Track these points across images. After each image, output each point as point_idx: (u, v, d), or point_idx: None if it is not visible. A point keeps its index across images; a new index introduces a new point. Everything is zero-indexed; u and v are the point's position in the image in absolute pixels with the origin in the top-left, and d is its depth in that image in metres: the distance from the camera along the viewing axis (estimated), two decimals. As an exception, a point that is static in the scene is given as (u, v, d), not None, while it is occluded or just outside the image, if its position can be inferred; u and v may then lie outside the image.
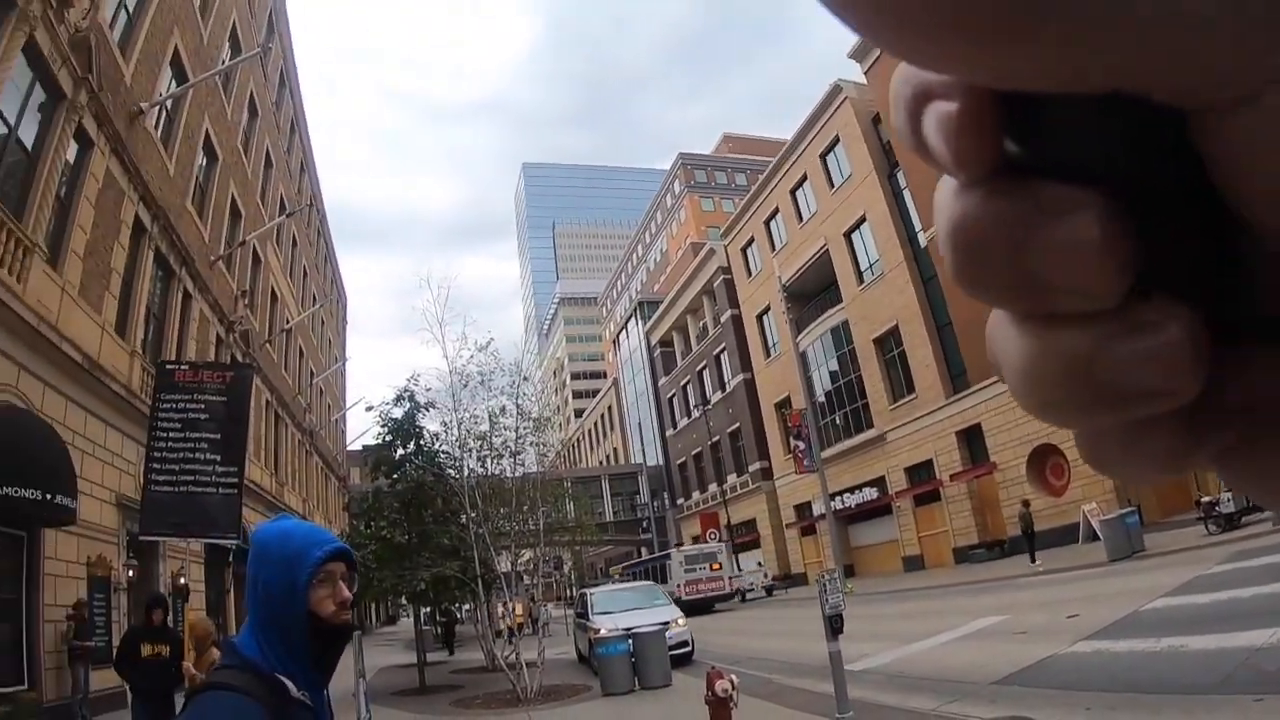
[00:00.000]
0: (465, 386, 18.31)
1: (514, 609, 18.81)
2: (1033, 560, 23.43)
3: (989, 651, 11.96)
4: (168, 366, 13.00)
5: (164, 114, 20.26)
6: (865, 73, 35.95)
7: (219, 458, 12.23)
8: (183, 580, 13.92)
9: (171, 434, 12.11)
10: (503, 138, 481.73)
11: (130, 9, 17.79)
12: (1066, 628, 12.27)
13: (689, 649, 17.33)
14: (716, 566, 36.82)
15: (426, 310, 18.32)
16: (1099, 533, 21.27)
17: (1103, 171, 0.30)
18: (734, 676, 8.67)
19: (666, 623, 16.56)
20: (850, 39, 36.67)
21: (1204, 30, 0.25)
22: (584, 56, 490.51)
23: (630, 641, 14.69)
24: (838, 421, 39.77)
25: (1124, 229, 0.29)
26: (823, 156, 39.76)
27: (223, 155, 25.30)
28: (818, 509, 36.29)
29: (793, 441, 39.88)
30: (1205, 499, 19.99)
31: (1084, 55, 0.26)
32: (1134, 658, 9.53)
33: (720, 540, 42.31)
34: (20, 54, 12.78)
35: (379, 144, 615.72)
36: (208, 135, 23.67)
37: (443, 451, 19.86)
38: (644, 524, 59.45)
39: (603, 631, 16.12)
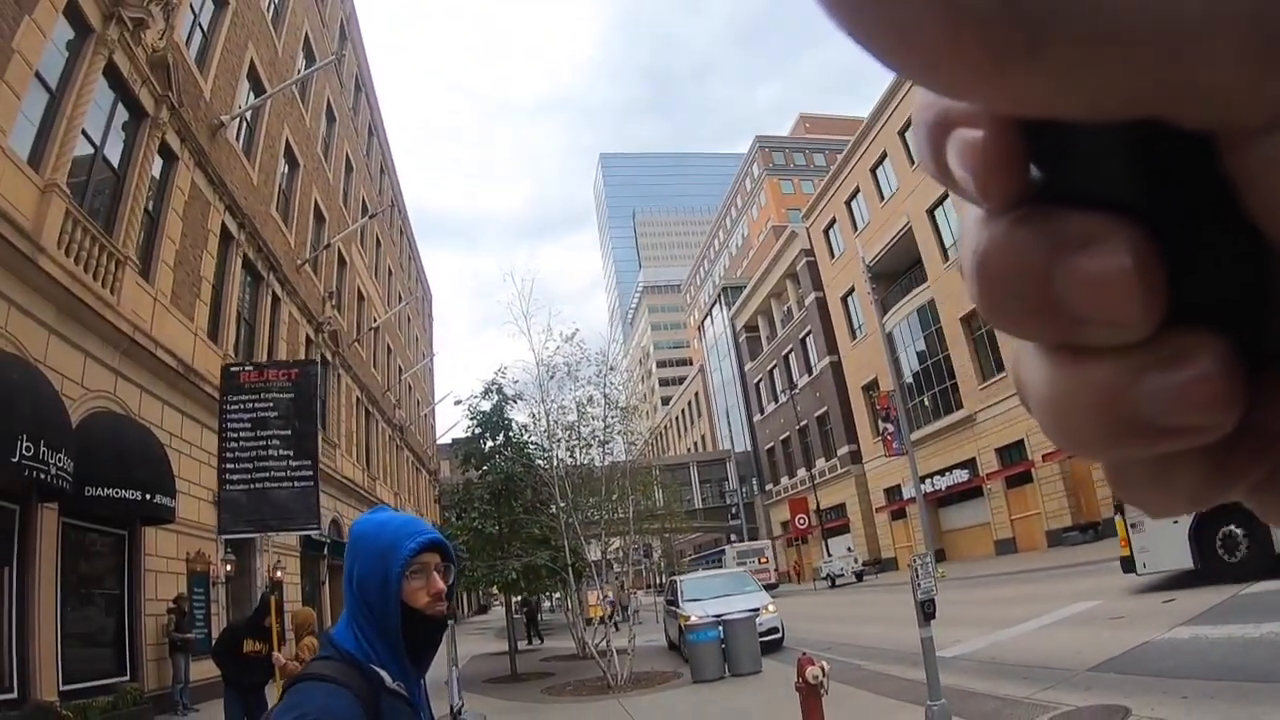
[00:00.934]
0: (552, 378, 18.42)
1: (606, 595, 18.94)
2: None
3: (1083, 637, 11.67)
4: (232, 369, 13.35)
5: (244, 125, 20.93)
6: (943, 45, 35.01)
7: (291, 453, 12.50)
8: (279, 574, 14.29)
9: (242, 434, 12.40)
10: (576, 131, 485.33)
11: (205, 27, 18.41)
12: (1162, 613, 11.91)
13: (779, 635, 17.31)
14: (764, 560, 44.05)
15: (511, 304, 18.49)
16: (1197, 513, 20.39)
17: (1132, 200, 0.29)
18: (825, 663, 8.47)
19: (757, 609, 16.45)
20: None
21: (1216, 56, 0.24)
22: (651, 46, 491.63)
23: (720, 628, 14.66)
24: (926, 403, 39.19)
25: (1155, 258, 0.28)
26: (901, 133, 38.72)
27: (304, 162, 26.03)
28: (907, 492, 35.79)
29: (881, 424, 39.27)
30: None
31: (1095, 80, 0.26)
32: (1233, 644, 9.17)
33: (809, 524, 42.89)
34: (101, 76, 13.36)
35: (455, 145, 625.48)
36: (288, 143, 24.40)
37: (531, 442, 20.07)
38: (733, 510, 59.43)
39: (693, 618, 15.97)
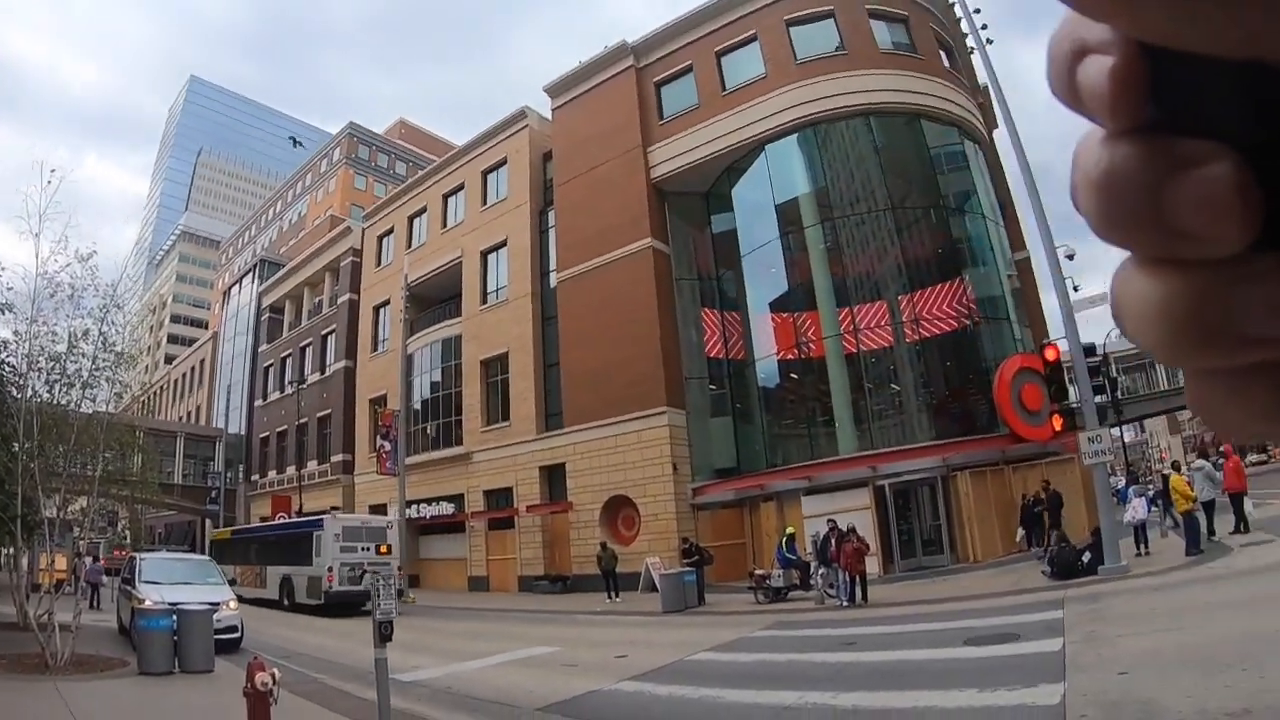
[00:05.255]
0: (52, 296, 16.01)
1: (54, 561, 17.20)
2: (611, 597, 25.20)
3: (537, 679, 12.54)
4: None
5: None
6: (554, 110, 37.21)
7: None
8: None
9: None
10: (168, 35, 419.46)
11: None
12: (614, 666, 13.16)
13: (238, 635, 16.96)
14: None
15: (30, 196, 15.94)
16: (658, 585, 22.66)
17: (1237, 135, 0.33)
18: (276, 671, 8.51)
19: (217, 604, 15.79)
20: (554, 71, 37.75)
21: None
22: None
23: (175, 618, 13.94)
24: (429, 431, 39.89)
25: (1253, 184, 0.32)
26: (485, 172, 40.24)
27: None
28: (392, 513, 35.99)
29: (380, 440, 39.50)
30: (758, 571, 22.25)
31: (1215, 14, 0.30)
32: (672, 702, 10.37)
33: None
34: None
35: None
36: None
37: (8, 364, 17.26)
38: (214, 494, 55.87)
39: (147, 603, 15.12)
